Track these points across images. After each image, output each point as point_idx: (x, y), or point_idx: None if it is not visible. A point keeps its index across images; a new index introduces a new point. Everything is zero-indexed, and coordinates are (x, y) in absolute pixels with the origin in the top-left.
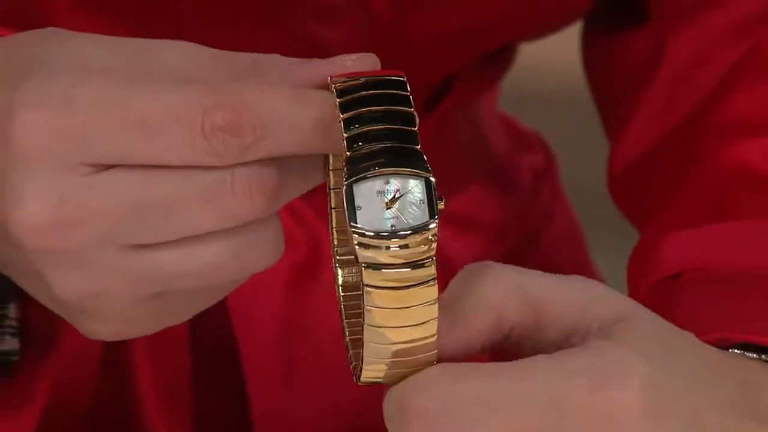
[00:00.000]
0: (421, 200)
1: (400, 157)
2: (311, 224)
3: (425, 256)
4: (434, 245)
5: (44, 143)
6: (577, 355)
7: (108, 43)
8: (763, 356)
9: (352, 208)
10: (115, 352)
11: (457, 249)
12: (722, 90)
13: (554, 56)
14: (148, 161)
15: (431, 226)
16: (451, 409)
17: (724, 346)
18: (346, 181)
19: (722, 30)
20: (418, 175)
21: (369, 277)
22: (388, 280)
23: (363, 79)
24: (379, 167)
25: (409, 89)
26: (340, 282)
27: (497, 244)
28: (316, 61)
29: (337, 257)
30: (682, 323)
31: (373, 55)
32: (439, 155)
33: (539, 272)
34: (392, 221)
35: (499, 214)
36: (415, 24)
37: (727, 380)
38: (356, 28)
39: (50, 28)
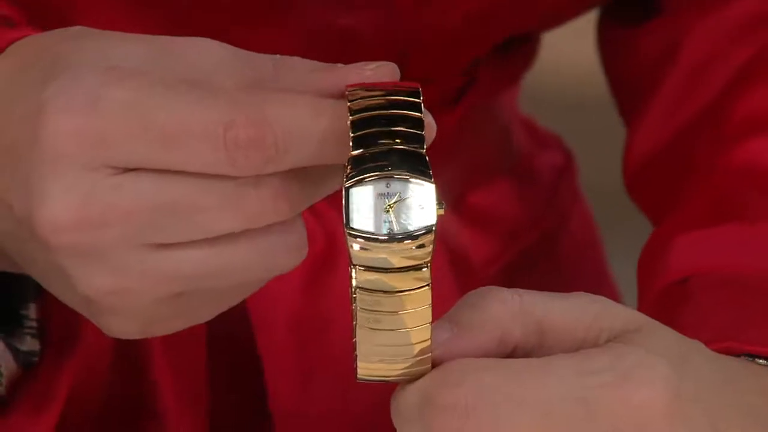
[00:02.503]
0: (420, 206)
1: (403, 160)
2: (327, 217)
3: (420, 262)
4: (430, 251)
5: (70, 144)
6: (600, 355)
7: (133, 42)
8: None
9: (350, 209)
10: (131, 350)
11: (474, 244)
12: (736, 86)
13: (572, 59)
14: (169, 168)
15: (428, 232)
16: (481, 405)
17: (732, 354)
18: (346, 182)
19: (738, 23)
20: (419, 180)
21: (362, 279)
22: (381, 284)
23: (376, 89)
24: (381, 170)
25: (422, 98)
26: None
27: (514, 242)
28: (336, 67)
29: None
30: (689, 331)
31: (393, 64)
32: (461, 150)
33: (542, 292)
34: (390, 225)
35: (519, 211)
36: (434, 10)
37: (743, 386)
38: (375, 15)
39: (76, 28)
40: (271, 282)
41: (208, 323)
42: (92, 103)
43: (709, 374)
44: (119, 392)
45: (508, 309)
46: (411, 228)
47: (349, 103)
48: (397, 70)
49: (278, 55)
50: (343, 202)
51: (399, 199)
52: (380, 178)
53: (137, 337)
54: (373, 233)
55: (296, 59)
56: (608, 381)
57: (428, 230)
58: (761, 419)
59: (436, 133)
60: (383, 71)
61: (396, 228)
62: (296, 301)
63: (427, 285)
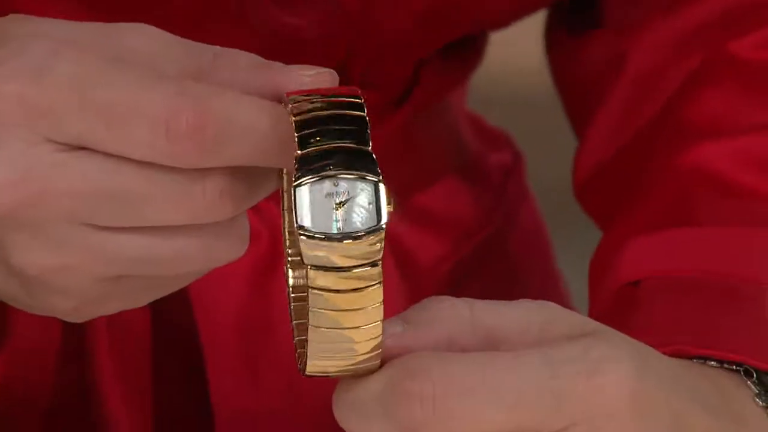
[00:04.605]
0: (369, 203)
1: (350, 158)
2: (272, 217)
3: (372, 259)
4: (381, 248)
5: (15, 111)
6: (568, 347)
7: (74, 24)
8: (725, 365)
9: (300, 209)
10: (76, 346)
11: (423, 245)
12: (683, 95)
13: (520, 57)
14: (108, 150)
15: (379, 229)
16: (449, 393)
17: (683, 356)
18: (295, 182)
19: (686, 32)
20: (367, 178)
21: (314, 278)
22: (333, 283)
23: (316, 94)
24: (329, 169)
25: (363, 99)
26: (290, 283)
27: (464, 241)
28: (274, 67)
29: (289, 258)
30: (640, 332)
31: (332, 71)
32: (408, 151)
33: (492, 301)
34: (340, 224)
35: (467, 211)
36: (380, 9)
37: (698, 386)
38: (320, 14)
39: (15, 14)
40: (215, 281)
41: (153, 320)
42: (38, 73)
43: (666, 373)
44: (63, 387)
45: (457, 312)
46: (361, 226)
47: (290, 105)
48: (336, 77)
49: (218, 47)
50: (293, 202)
51: (348, 197)
52: (328, 177)
53: (72, 315)
54: (323, 232)
55: (236, 52)
56: (578, 371)
57: (378, 228)
58: (720, 418)
59: (382, 135)
60: (322, 78)
61: (346, 226)
62: (241, 300)
63: (379, 283)
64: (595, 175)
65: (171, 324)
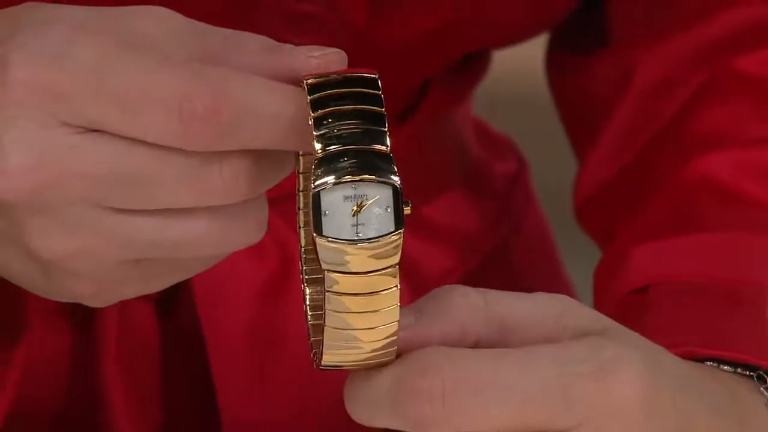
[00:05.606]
0: (387, 207)
1: (368, 161)
2: (281, 234)
3: (389, 264)
4: (399, 252)
5: (31, 98)
6: (579, 346)
7: (83, 12)
8: (738, 369)
9: (319, 214)
10: (84, 354)
11: (430, 256)
12: (689, 109)
13: (524, 59)
14: (122, 133)
15: (397, 233)
16: (462, 390)
17: (695, 358)
18: (313, 187)
19: (692, 50)
20: (385, 182)
21: (331, 282)
22: (350, 286)
23: (334, 76)
24: (347, 173)
25: (380, 88)
26: (307, 301)
27: (471, 251)
28: (283, 50)
29: (306, 276)
30: (651, 336)
31: (340, 51)
32: (414, 164)
33: (506, 291)
34: (358, 228)
35: (474, 220)
36: (387, 31)
37: (709, 388)
38: (328, 35)
39: (28, 2)
40: (225, 294)
41: (162, 334)
42: (56, 58)
43: (677, 372)
44: (71, 395)
45: (470, 302)
46: (380, 230)
47: (309, 96)
48: (345, 56)
49: (228, 30)
50: (311, 206)
51: (366, 201)
52: (346, 181)
53: (93, 299)
54: (341, 237)
55: (246, 36)
56: (587, 371)
57: (396, 231)
58: (725, 417)
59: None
60: (330, 58)
61: (364, 231)
62: (250, 313)
63: (396, 286)
64: (596, 195)
65: (180, 335)
